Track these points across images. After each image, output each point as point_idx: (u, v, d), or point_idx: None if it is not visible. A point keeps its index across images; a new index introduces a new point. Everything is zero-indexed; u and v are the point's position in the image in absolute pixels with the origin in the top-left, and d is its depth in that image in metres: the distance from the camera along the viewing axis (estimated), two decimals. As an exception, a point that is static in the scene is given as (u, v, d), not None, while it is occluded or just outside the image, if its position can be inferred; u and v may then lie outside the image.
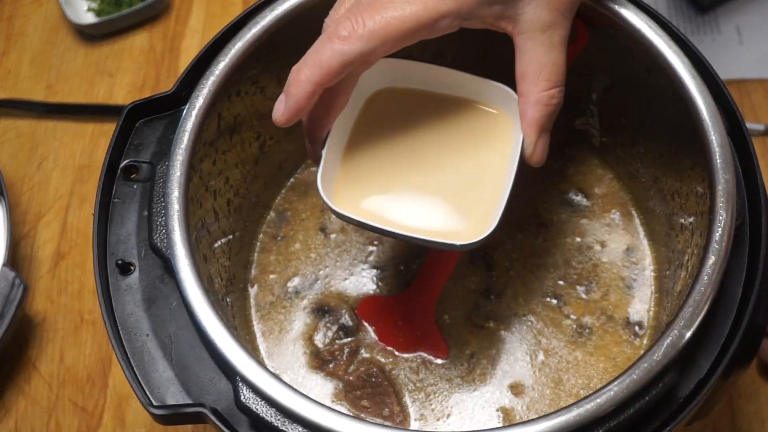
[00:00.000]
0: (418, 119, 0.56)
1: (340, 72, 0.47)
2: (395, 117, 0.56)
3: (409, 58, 0.54)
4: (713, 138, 0.53)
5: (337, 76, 0.47)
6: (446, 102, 0.56)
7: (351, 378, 0.61)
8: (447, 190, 0.54)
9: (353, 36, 0.46)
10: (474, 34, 0.52)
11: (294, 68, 0.48)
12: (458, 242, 0.51)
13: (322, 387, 0.61)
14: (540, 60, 0.50)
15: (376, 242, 0.66)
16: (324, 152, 0.53)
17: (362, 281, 0.65)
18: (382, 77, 0.56)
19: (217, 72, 0.57)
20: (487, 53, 0.59)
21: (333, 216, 0.67)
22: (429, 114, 0.56)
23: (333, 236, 0.67)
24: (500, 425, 0.59)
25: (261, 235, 0.67)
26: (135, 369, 0.51)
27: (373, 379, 0.61)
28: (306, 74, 0.47)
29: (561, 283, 0.64)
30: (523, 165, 0.52)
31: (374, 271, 0.65)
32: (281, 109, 0.49)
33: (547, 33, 0.50)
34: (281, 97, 0.49)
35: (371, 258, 0.66)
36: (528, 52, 0.51)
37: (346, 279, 0.65)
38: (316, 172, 0.52)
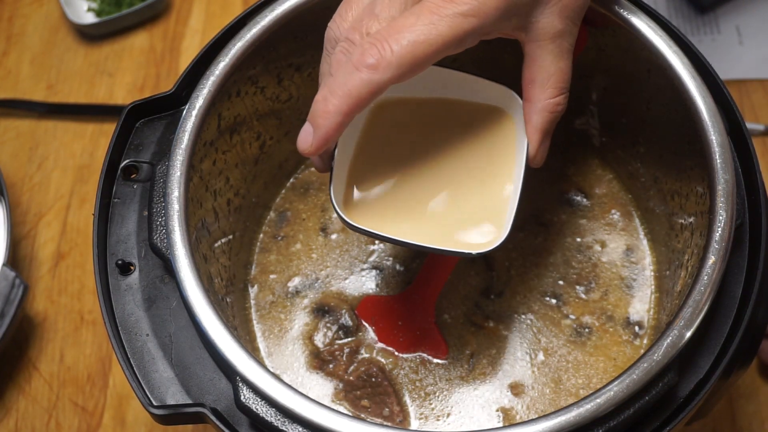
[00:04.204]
0: (422, 124, 0.56)
1: (370, 100, 0.46)
2: (399, 124, 0.56)
3: None
4: (713, 138, 0.53)
5: (366, 105, 0.46)
6: (447, 105, 0.56)
7: (351, 378, 0.61)
8: (456, 196, 0.54)
9: (382, 64, 0.45)
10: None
11: (319, 98, 0.47)
12: (474, 251, 0.51)
13: (322, 387, 0.61)
14: (549, 68, 0.51)
15: (376, 242, 0.66)
16: (333, 165, 0.52)
17: (362, 281, 0.65)
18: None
19: (217, 72, 0.57)
20: (483, 57, 0.59)
21: (334, 216, 0.67)
22: (432, 118, 0.56)
23: (333, 236, 0.67)
24: (500, 425, 0.59)
25: (261, 235, 0.67)
26: (135, 369, 0.51)
27: (373, 379, 0.61)
28: (335, 105, 0.46)
29: (561, 282, 0.64)
30: (527, 167, 0.53)
31: (374, 271, 0.65)
32: (309, 141, 0.47)
33: (557, 41, 0.51)
34: (307, 128, 0.47)
35: (371, 258, 0.66)
36: (537, 60, 0.51)
37: (346, 279, 0.65)
38: (329, 186, 0.51)
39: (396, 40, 0.45)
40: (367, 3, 0.49)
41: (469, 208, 0.54)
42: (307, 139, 0.47)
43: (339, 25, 0.50)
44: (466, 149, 0.55)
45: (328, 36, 0.50)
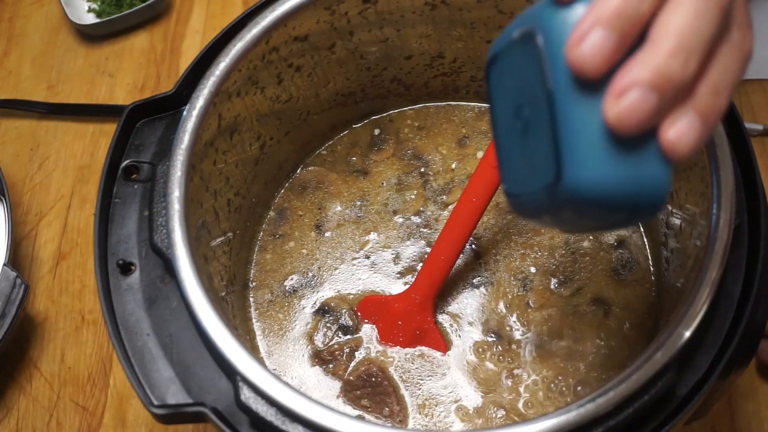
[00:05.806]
0: None
1: None
2: None
3: (409, 58, 0.52)
4: (713, 138, 0.53)
5: None
6: None
7: (351, 378, 0.61)
8: None
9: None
10: (479, 38, 0.51)
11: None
12: None
13: (321, 386, 0.61)
14: None
15: (370, 234, 0.66)
16: None
17: (362, 280, 0.65)
18: None
19: (217, 72, 0.57)
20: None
21: (329, 213, 0.68)
22: None
23: (327, 234, 0.67)
24: (500, 425, 0.59)
25: (261, 234, 0.68)
26: (136, 368, 0.51)
27: (373, 379, 0.61)
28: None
29: (556, 278, 0.64)
30: None
31: (374, 271, 0.65)
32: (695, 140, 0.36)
33: None
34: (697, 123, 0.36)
35: (370, 257, 0.66)
36: None
37: (345, 278, 0.65)
38: None
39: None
40: None
41: None
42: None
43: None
44: None
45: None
